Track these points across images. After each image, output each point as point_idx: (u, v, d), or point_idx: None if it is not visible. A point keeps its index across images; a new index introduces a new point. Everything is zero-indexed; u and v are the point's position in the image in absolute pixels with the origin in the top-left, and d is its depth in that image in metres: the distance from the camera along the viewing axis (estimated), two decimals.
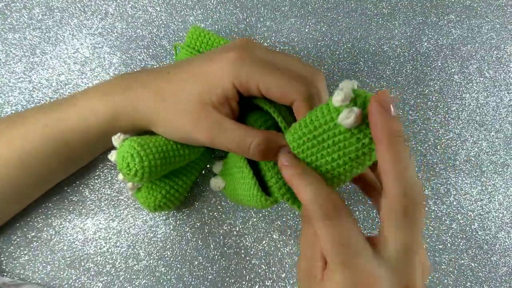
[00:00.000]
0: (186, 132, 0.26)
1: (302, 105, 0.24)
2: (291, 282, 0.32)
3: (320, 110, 0.21)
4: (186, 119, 0.26)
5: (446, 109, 0.36)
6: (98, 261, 0.32)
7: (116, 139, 0.27)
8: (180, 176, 0.31)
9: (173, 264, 0.32)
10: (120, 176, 0.27)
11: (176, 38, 0.36)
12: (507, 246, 0.34)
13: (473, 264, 0.34)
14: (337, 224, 0.19)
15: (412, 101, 0.36)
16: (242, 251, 0.32)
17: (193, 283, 0.32)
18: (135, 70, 0.35)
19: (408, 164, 0.19)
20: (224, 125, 0.25)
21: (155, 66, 0.35)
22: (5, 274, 0.31)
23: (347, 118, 0.20)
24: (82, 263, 0.32)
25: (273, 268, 0.32)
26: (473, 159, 0.36)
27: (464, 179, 0.35)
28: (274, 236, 0.33)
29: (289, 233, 0.33)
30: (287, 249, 0.32)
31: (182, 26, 0.36)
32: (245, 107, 0.28)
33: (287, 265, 0.32)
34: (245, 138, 0.25)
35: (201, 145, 0.27)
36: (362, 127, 0.20)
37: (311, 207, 0.20)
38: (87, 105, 0.28)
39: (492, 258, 0.34)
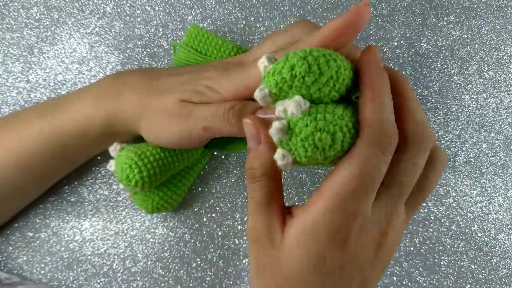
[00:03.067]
0: (169, 132, 0.27)
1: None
2: None
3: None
4: (166, 119, 0.26)
5: (445, 110, 0.38)
6: (95, 263, 0.33)
7: (113, 150, 0.28)
8: (177, 177, 0.32)
9: (171, 266, 0.33)
10: (122, 186, 0.28)
11: (175, 38, 0.37)
12: (507, 248, 0.36)
13: (472, 266, 0.35)
14: None
15: None
16: (241, 252, 0.33)
17: (191, 285, 0.33)
18: (133, 69, 0.37)
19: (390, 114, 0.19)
20: (199, 107, 0.26)
21: (153, 66, 0.37)
22: (2, 267, 0.32)
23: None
24: (80, 264, 0.33)
25: None
26: (473, 161, 0.37)
27: (463, 180, 0.37)
28: None
29: None
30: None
31: (181, 26, 0.37)
32: None
33: None
34: (219, 107, 0.25)
35: (188, 142, 0.27)
36: None
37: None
38: (80, 111, 0.29)
39: (492, 260, 0.35)
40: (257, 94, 0.19)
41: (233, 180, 0.35)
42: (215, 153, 0.35)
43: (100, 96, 0.29)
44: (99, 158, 0.35)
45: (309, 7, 0.39)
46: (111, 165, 0.28)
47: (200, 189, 0.35)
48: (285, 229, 0.20)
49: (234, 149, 0.32)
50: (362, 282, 0.20)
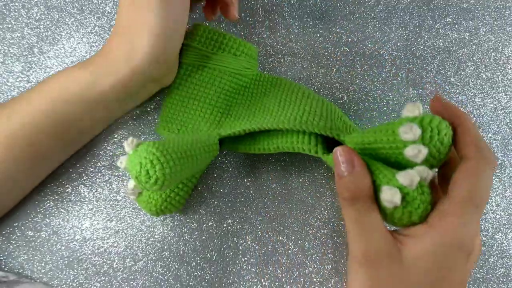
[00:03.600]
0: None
1: None
2: (289, 282, 0.33)
3: (385, 133, 0.23)
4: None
5: None
6: (96, 261, 0.33)
7: (129, 145, 0.25)
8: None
9: (170, 265, 0.33)
10: (131, 185, 0.28)
11: None
12: (505, 248, 0.36)
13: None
14: None
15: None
16: (240, 251, 0.34)
17: (190, 283, 0.33)
18: None
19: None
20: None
21: None
22: (3, 266, 0.33)
23: (414, 156, 0.22)
24: (80, 263, 0.33)
25: (270, 268, 0.34)
26: None
27: None
28: (272, 237, 0.34)
29: (287, 233, 0.34)
30: (285, 249, 0.34)
31: None
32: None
33: (284, 266, 0.34)
34: None
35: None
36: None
37: None
38: (67, 75, 0.29)
39: (489, 260, 0.36)
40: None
41: (232, 179, 0.35)
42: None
43: (87, 60, 0.30)
44: (100, 156, 0.35)
45: (307, 9, 0.39)
46: (122, 162, 0.26)
47: (199, 188, 0.35)
48: (404, 246, 0.22)
49: (246, 150, 0.32)
50: None
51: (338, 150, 0.23)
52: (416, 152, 0.21)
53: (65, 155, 0.33)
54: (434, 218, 0.22)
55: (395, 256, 0.21)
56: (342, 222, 0.35)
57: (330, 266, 0.34)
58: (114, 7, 0.38)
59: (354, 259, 0.22)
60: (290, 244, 0.34)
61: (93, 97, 0.29)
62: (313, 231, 0.34)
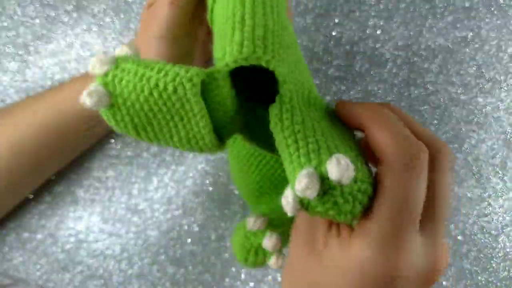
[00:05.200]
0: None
1: None
2: None
3: None
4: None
5: (444, 111, 0.38)
6: (91, 264, 0.33)
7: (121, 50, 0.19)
8: None
9: (167, 268, 0.33)
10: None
11: None
12: (507, 250, 0.36)
13: (472, 268, 0.35)
14: None
15: (409, 103, 0.38)
16: None
17: (187, 287, 0.33)
18: None
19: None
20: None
21: None
22: None
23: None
24: (76, 266, 0.33)
25: (269, 270, 0.33)
26: (472, 162, 0.37)
27: (462, 182, 0.37)
28: None
29: None
30: (285, 251, 0.34)
31: None
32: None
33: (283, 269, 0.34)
34: None
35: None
36: None
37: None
38: (74, 89, 0.30)
39: (492, 262, 0.36)
40: None
41: (231, 182, 0.35)
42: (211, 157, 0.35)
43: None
44: (96, 157, 0.35)
45: (308, 7, 0.39)
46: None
47: (196, 188, 0.35)
48: (341, 239, 0.18)
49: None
50: None
51: None
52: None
53: (64, 162, 0.34)
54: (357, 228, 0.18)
55: (318, 249, 0.19)
56: None
57: None
58: (111, 4, 0.38)
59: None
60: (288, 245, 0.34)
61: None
62: None
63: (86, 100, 0.17)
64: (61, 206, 0.34)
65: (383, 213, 0.17)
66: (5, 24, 0.37)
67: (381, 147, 0.18)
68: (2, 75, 0.36)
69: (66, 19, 0.37)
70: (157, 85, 0.17)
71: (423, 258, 0.18)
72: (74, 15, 0.37)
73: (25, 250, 0.33)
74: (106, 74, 0.17)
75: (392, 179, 0.17)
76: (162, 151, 0.35)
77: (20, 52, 0.37)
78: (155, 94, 0.17)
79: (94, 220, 0.34)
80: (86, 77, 0.31)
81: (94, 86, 0.17)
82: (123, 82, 0.17)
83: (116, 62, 0.18)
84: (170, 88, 0.17)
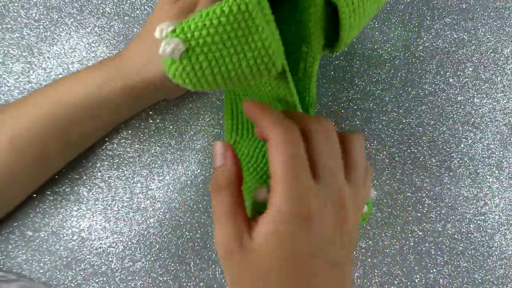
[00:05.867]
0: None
1: None
2: None
3: None
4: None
5: (441, 111, 0.38)
6: (94, 262, 0.34)
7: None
8: None
9: (169, 266, 0.34)
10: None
11: None
12: (504, 249, 0.36)
13: (469, 266, 0.36)
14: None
15: (407, 104, 0.38)
16: None
17: (189, 284, 0.33)
18: None
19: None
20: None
21: None
22: (1, 266, 0.33)
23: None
24: (79, 264, 0.33)
25: None
26: (469, 161, 0.38)
27: (459, 181, 0.37)
28: None
29: None
30: None
31: None
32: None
33: None
34: None
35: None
36: None
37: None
38: (76, 78, 0.30)
39: (488, 260, 0.36)
40: None
41: None
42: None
43: (95, 66, 0.31)
44: (99, 156, 0.35)
45: None
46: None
47: (197, 187, 0.35)
48: (253, 233, 0.21)
49: None
50: (332, 263, 0.21)
51: (216, 143, 0.24)
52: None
53: (66, 158, 0.34)
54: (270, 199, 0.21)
55: (247, 244, 0.21)
56: None
57: None
58: (114, 7, 0.38)
59: (219, 253, 0.22)
60: None
61: (100, 100, 0.30)
62: None
63: (166, 48, 0.18)
64: (65, 205, 0.34)
65: (279, 174, 0.21)
66: (9, 26, 0.37)
67: (265, 132, 0.22)
68: (6, 77, 0.37)
69: (69, 22, 0.38)
70: (222, 11, 0.19)
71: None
72: (78, 17, 0.38)
73: (29, 248, 0.33)
74: (174, 30, 0.19)
75: (276, 148, 0.21)
76: (163, 151, 0.36)
77: (24, 54, 0.37)
78: (223, 20, 0.19)
79: (97, 219, 0.34)
80: (87, 70, 0.31)
81: (168, 39, 0.19)
82: (192, 25, 0.19)
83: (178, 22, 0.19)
84: (234, 8, 0.19)
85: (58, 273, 0.33)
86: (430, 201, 0.37)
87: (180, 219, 0.35)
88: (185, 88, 0.23)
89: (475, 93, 0.39)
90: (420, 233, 0.36)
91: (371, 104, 0.38)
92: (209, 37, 0.19)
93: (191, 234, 0.35)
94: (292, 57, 0.27)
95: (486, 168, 0.38)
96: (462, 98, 0.39)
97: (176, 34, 0.19)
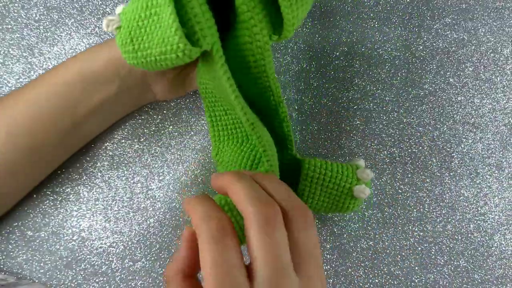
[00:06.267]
0: None
1: None
2: None
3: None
4: None
5: (441, 111, 0.39)
6: (94, 262, 0.34)
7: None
8: None
9: None
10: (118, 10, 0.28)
11: None
12: (503, 249, 0.36)
13: (469, 266, 0.36)
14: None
15: (407, 104, 0.38)
16: None
17: None
18: None
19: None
20: None
21: None
22: (2, 266, 0.33)
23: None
24: (79, 264, 0.33)
25: None
26: (469, 161, 0.38)
27: (459, 181, 0.37)
28: None
29: None
30: None
31: None
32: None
33: None
34: None
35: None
36: None
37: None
38: (69, 58, 0.31)
39: (488, 260, 0.36)
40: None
41: None
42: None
43: (95, 47, 0.32)
44: (99, 156, 0.35)
45: None
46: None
47: (198, 187, 0.35)
48: None
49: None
50: None
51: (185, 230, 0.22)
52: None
53: (61, 152, 0.33)
54: None
55: None
56: (340, 224, 0.36)
57: (328, 267, 0.35)
58: (114, 8, 0.38)
59: None
60: None
61: (90, 76, 0.30)
62: None
63: (104, 24, 0.26)
64: (65, 205, 0.34)
65: (259, 268, 0.19)
66: (9, 26, 0.37)
67: (241, 209, 0.20)
68: (7, 77, 0.37)
69: (70, 22, 0.38)
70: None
71: None
72: (78, 18, 0.38)
73: (29, 248, 0.33)
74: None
75: (255, 236, 0.19)
76: (163, 151, 0.36)
77: (24, 54, 0.37)
78: (144, 3, 0.24)
79: (97, 219, 0.34)
80: (80, 56, 0.31)
81: (108, 17, 0.26)
82: (125, 8, 0.26)
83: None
84: None
85: (59, 273, 0.33)
86: (430, 201, 0.37)
87: (180, 219, 0.35)
88: (168, 93, 0.27)
89: (475, 93, 0.39)
90: (421, 233, 0.36)
91: (371, 104, 0.38)
92: (131, 15, 0.25)
93: None
94: (240, 52, 0.27)
95: (486, 168, 0.38)
96: (462, 98, 0.39)
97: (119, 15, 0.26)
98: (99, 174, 0.35)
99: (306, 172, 0.28)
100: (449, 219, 0.37)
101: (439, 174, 0.37)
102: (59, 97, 0.30)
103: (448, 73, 0.39)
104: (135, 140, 0.36)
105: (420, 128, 0.38)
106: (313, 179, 0.28)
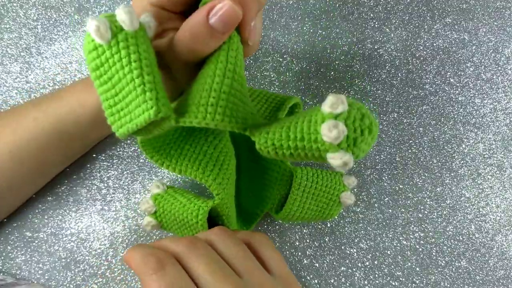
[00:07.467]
0: None
1: None
2: None
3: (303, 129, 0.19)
4: None
5: (442, 112, 0.38)
6: (93, 263, 0.33)
7: (158, 186, 0.30)
8: None
9: None
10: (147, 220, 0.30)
11: None
12: (505, 249, 0.36)
13: (470, 267, 0.36)
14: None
15: (407, 104, 0.38)
16: None
17: None
18: None
19: None
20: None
21: None
22: (0, 267, 0.33)
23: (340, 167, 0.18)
24: (78, 265, 0.33)
25: None
26: (470, 162, 0.38)
27: (460, 181, 0.37)
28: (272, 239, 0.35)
29: (278, 238, 0.35)
30: (282, 250, 0.34)
31: None
32: None
33: None
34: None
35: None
36: None
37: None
38: (73, 96, 0.30)
39: (489, 261, 0.36)
40: None
41: None
42: None
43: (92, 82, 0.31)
44: (98, 157, 0.35)
45: (307, 9, 0.40)
46: (148, 207, 0.29)
47: (197, 187, 0.35)
48: None
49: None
50: None
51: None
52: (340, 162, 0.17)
53: (66, 165, 0.35)
54: None
55: None
56: (340, 224, 0.36)
57: (329, 267, 0.35)
58: (111, 7, 0.38)
59: None
60: (278, 245, 0.34)
61: (103, 118, 0.30)
62: (309, 230, 0.35)
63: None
64: (64, 206, 0.34)
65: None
66: (7, 26, 0.37)
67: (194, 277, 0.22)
68: (5, 77, 0.37)
69: (67, 21, 0.38)
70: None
71: None
72: (76, 17, 0.38)
73: (28, 249, 0.33)
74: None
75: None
76: None
77: (22, 54, 0.37)
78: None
79: (96, 220, 0.34)
80: (85, 82, 0.31)
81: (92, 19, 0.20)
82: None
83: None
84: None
85: (57, 274, 0.33)
86: (431, 202, 0.37)
87: None
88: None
89: (476, 93, 0.39)
90: (421, 234, 0.36)
91: (371, 104, 0.38)
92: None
93: None
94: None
95: (488, 168, 0.38)
96: (463, 98, 0.39)
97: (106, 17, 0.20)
98: (98, 174, 0.35)
99: (299, 182, 0.29)
100: (450, 220, 0.37)
101: (440, 175, 0.37)
102: (68, 133, 0.31)
103: (449, 73, 0.39)
104: (134, 140, 0.36)
105: (420, 129, 0.38)
106: (305, 188, 0.29)
